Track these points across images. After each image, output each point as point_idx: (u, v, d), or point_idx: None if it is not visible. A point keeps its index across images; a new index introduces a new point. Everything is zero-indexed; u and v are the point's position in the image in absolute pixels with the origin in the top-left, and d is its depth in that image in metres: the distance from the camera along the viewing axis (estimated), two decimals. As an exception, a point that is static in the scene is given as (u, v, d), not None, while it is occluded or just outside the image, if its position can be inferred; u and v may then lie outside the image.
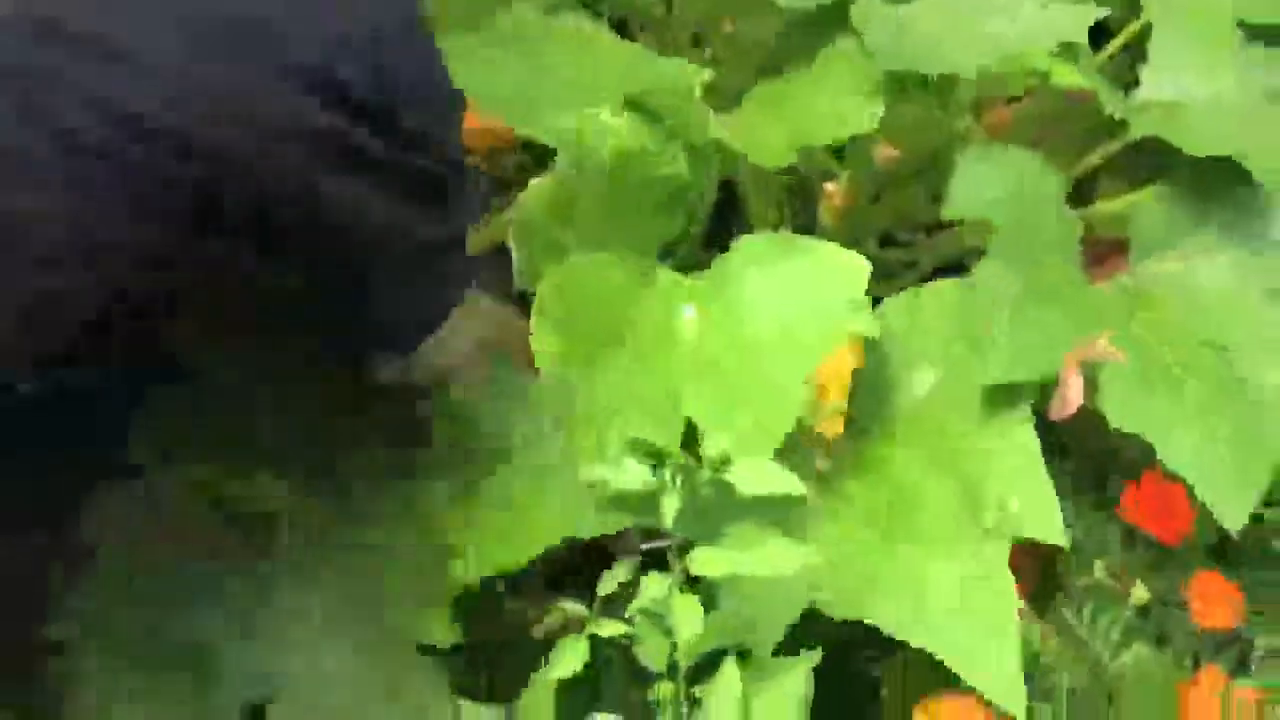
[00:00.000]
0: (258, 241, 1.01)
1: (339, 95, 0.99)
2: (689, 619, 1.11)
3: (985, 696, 1.14)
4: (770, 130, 1.29)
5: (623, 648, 1.14)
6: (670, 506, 1.12)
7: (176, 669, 1.16)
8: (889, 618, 1.15)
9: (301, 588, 1.20)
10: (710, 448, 1.13)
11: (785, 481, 1.12)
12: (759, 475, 1.12)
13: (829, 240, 1.28)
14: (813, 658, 1.13)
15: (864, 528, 1.21)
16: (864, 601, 1.16)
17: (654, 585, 1.12)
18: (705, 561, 1.11)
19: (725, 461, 1.12)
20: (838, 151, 1.44)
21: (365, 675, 1.19)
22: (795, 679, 1.13)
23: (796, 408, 1.19)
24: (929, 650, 1.14)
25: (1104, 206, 1.41)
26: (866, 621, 1.15)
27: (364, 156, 1.02)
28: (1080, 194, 1.43)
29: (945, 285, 1.30)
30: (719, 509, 1.13)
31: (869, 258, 1.24)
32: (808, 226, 1.45)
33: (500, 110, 1.29)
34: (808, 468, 1.22)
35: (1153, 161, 1.37)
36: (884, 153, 1.46)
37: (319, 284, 1.10)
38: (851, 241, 1.28)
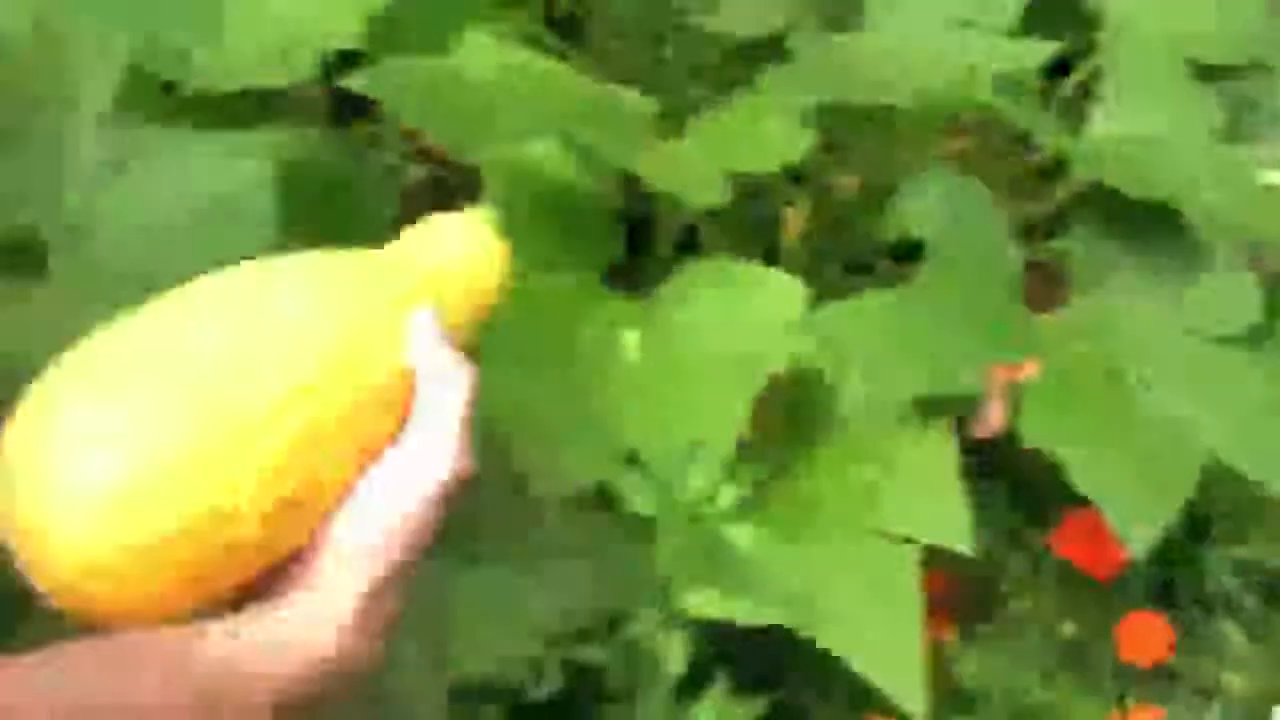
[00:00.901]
0: None
1: None
2: (676, 656, 1.15)
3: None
4: (701, 166, 1.31)
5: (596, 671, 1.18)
6: (668, 544, 1.16)
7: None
8: (797, 618, 1.16)
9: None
10: (724, 499, 1.17)
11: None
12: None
13: (790, 265, 1.30)
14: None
15: (780, 534, 1.22)
16: (777, 603, 1.17)
17: (645, 619, 1.16)
18: (704, 604, 1.15)
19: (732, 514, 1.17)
20: (796, 178, 1.46)
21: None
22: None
23: (736, 427, 1.20)
24: (832, 650, 1.15)
25: (1049, 242, 1.42)
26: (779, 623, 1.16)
27: None
28: (1030, 228, 1.43)
29: (880, 298, 1.31)
30: (711, 553, 1.17)
31: (832, 284, 1.26)
32: (770, 252, 1.46)
33: (442, 137, 1.32)
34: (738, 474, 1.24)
35: (1098, 198, 1.37)
36: (843, 180, 1.47)
37: None
38: (814, 267, 1.30)
